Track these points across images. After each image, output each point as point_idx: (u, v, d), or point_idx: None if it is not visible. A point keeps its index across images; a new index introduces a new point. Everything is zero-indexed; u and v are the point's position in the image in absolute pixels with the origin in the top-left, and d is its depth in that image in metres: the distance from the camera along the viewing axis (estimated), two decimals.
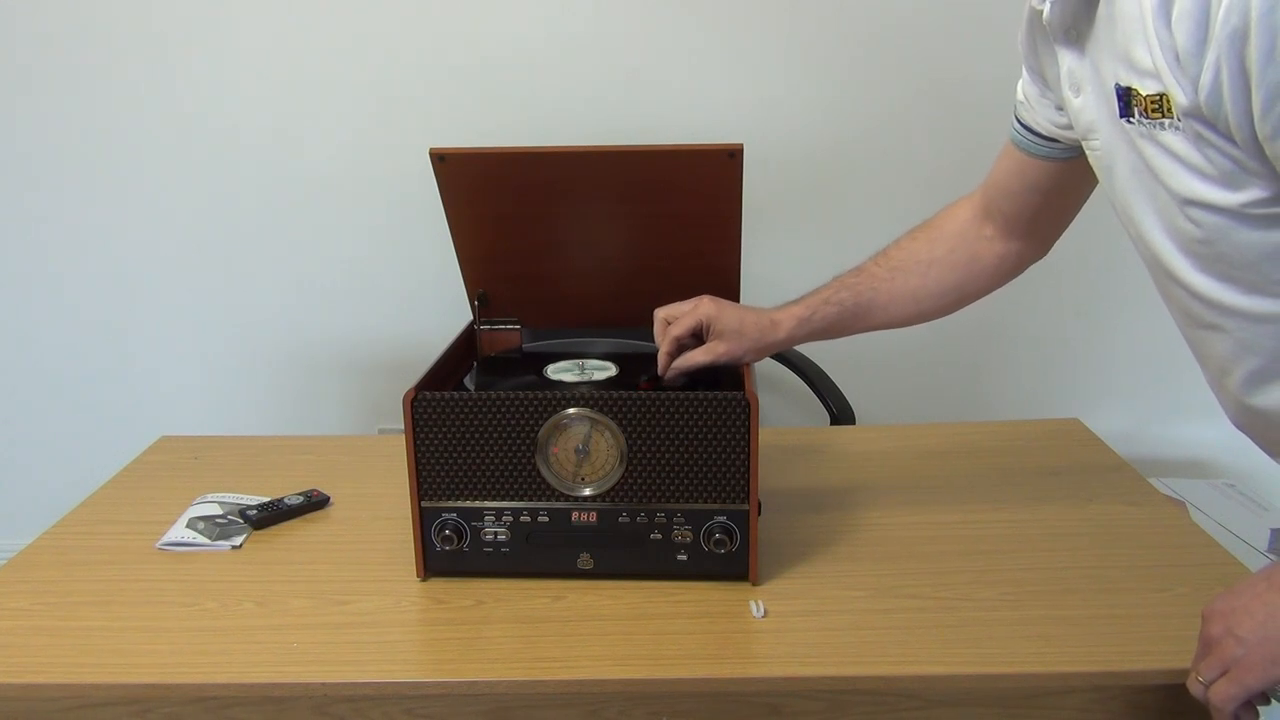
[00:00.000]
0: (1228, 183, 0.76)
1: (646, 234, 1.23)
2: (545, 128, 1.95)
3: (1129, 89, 0.79)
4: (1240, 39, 0.68)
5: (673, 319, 1.15)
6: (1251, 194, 0.76)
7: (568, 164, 1.19)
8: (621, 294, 1.29)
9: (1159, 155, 0.80)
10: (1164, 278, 0.88)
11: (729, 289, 1.25)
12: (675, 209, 1.19)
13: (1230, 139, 0.73)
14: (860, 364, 2.03)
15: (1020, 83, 1.05)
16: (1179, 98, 0.74)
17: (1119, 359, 2.09)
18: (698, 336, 1.15)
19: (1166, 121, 0.77)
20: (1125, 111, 0.81)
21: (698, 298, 1.16)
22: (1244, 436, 0.96)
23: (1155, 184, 0.82)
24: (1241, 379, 0.87)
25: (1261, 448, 0.95)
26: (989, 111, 1.92)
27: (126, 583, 1.15)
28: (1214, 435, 2.07)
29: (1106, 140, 0.87)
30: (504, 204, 1.21)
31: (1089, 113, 0.88)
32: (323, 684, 0.97)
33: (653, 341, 1.34)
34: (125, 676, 0.98)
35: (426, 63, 1.94)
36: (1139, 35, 0.76)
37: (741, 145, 1.13)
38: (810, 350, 1.86)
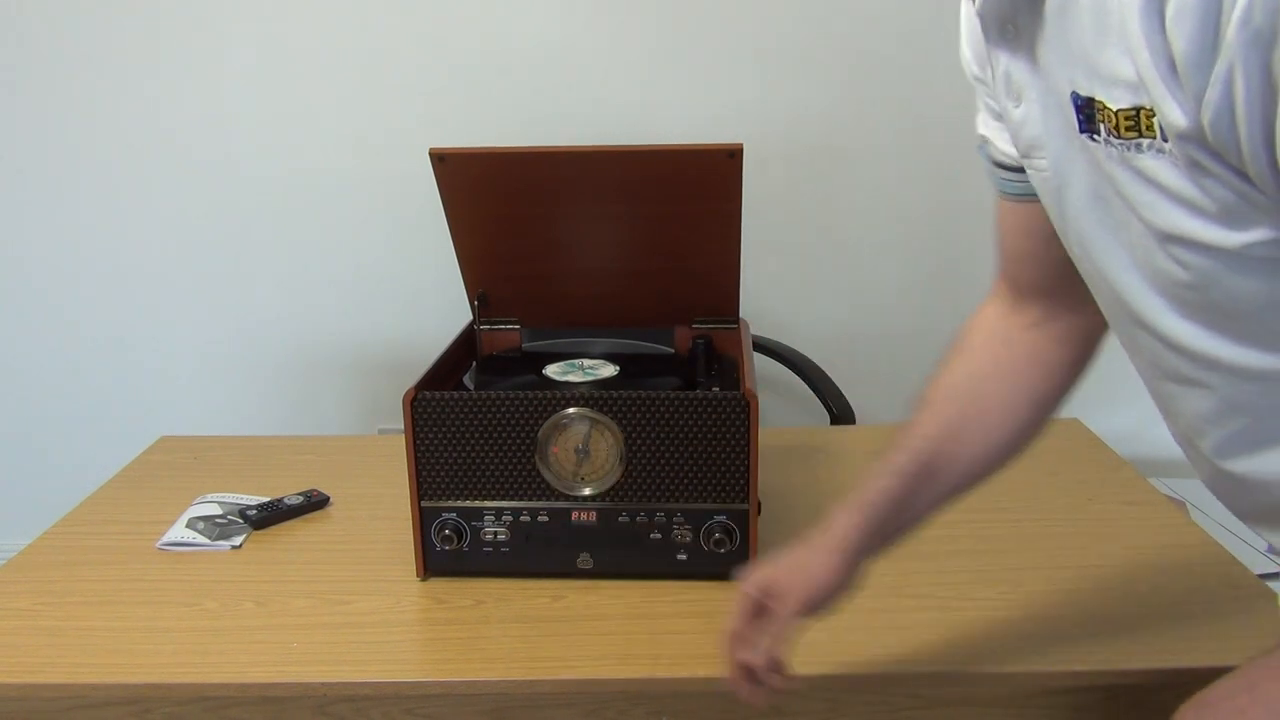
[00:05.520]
0: (1227, 220, 0.61)
1: (646, 234, 1.23)
2: (545, 128, 1.95)
3: (1091, 100, 0.64)
4: (1265, 44, 0.52)
5: (737, 638, 0.88)
6: (1257, 234, 0.60)
7: (568, 164, 1.19)
8: (621, 294, 1.29)
9: (1134, 182, 0.64)
10: (1129, 323, 0.74)
11: (729, 290, 1.25)
12: (675, 209, 1.19)
13: (1236, 168, 0.58)
14: (860, 364, 2.03)
15: (978, 118, 0.86)
16: (1174, 116, 0.58)
17: (1119, 359, 2.08)
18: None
19: (1146, 143, 0.61)
20: (1087, 126, 0.66)
21: (749, 574, 0.89)
22: None
23: (1127, 214, 0.67)
24: (1219, 441, 0.74)
25: (1230, 510, 0.81)
26: None
27: (126, 583, 1.15)
28: None
29: (1056, 159, 0.72)
30: (504, 204, 1.21)
31: (1032, 126, 0.72)
32: (323, 684, 0.97)
33: (653, 343, 1.34)
34: (125, 676, 0.98)
35: (426, 63, 1.94)
36: (1113, 37, 0.60)
37: (741, 145, 1.13)
38: (810, 350, 1.86)
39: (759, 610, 0.87)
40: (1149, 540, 1.19)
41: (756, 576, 0.88)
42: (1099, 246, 0.72)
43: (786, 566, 0.88)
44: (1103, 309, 0.78)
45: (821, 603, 0.87)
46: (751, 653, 0.86)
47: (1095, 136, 0.65)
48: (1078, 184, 0.71)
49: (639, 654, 1.00)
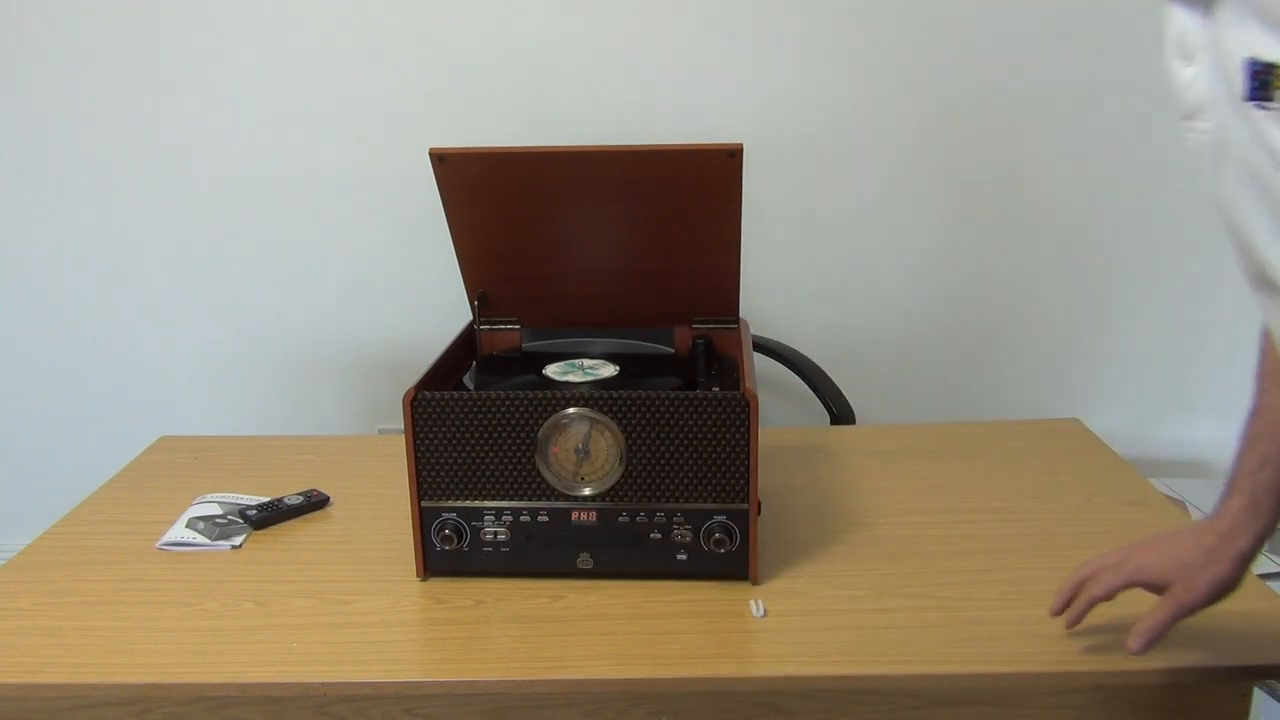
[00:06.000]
0: None
1: (646, 234, 1.23)
2: (545, 128, 1.95)
3: (1272, 65, 0.63)
4: None
5: (1095, 573, 0.96)
6: None
7: (568, 164, 1.19)
8: (621, 294, 1.29)
9: None
10: (1270, 292, 0.74)
11: (729, 290, 1.25)
12: (675, 209, 1.19)
13: None
14: (860, 364, 2.03)
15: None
16: None
17: (1119, 359, 2.09)
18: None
19: None
20: (1258, 93, 0.64)
21: (1125, 550, 0.96)
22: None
23: None
24: None
25: None
26: (989, 112, 1.92)
27: (126, 583, 1.15)
28: (1214, 435, 2.07)
29: (1219, 125, 0.71)
30: (504, 204, 1.21)
31: (1200, 88, 0.71)
32: (323, 684, 0.97)
33: (653, 342, 1.33)
34: (125, 676, 0.98)
35: (426, 63, 1.94)
36: None
37: (741, 145, 1.13)
38: (810, 350, 1.86)
39: (1119, 591, 0.93)
40: None
41: (1140, 563, 0.92)
42: (1248, 218, 0.72)
43: (1178, 561, 0.90)
44: (1243, 273, 0.77)
45: (1215, 603, 0.90)
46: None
47: (1266, 104, 0.64)
48: (1234, 151, 0.71)
49: (639, 654, 1.00)
